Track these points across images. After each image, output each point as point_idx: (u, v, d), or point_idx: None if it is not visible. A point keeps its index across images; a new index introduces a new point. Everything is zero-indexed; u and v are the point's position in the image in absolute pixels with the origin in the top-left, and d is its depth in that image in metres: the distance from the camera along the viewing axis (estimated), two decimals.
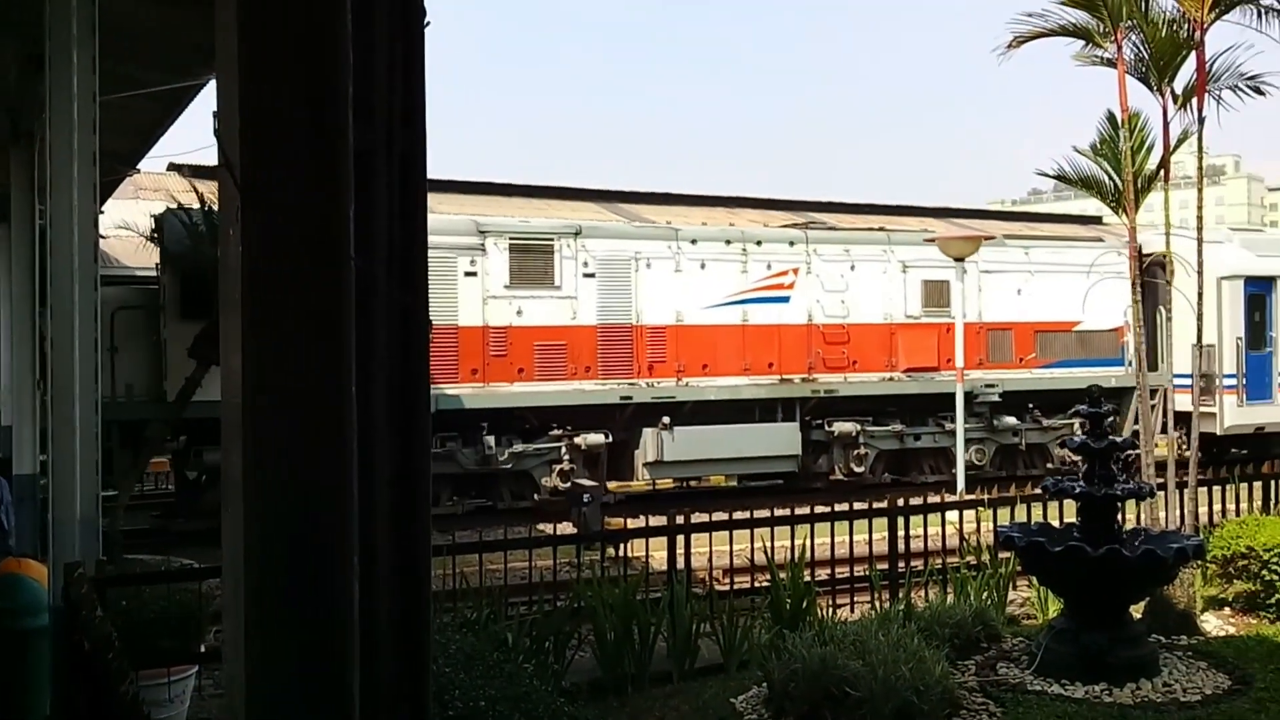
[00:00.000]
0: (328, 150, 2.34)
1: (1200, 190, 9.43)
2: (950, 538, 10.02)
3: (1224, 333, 19.13)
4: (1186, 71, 9.85)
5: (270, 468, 2.20)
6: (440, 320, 15.12)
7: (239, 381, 2.27)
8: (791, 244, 17.80)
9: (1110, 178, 10.01)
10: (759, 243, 17.61)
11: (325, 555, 2.15)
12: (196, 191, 12.98)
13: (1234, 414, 18.97)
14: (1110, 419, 7.26)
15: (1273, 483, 10.84)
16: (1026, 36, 10.04)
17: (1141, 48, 9.84)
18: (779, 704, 6.25)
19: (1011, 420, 18.81)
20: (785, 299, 17.58)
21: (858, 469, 17.79)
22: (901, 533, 9.46)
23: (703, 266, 17.03)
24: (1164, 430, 20.00)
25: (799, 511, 9.21)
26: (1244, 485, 10.72)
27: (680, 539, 8.38)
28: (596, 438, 16.13)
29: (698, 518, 8.89)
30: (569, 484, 15.86)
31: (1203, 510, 10.32)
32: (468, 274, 15.60)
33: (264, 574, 2.18)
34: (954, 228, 19.87)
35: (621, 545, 9.54)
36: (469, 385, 15.52)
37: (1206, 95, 9.94)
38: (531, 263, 16.01)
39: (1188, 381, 19.37)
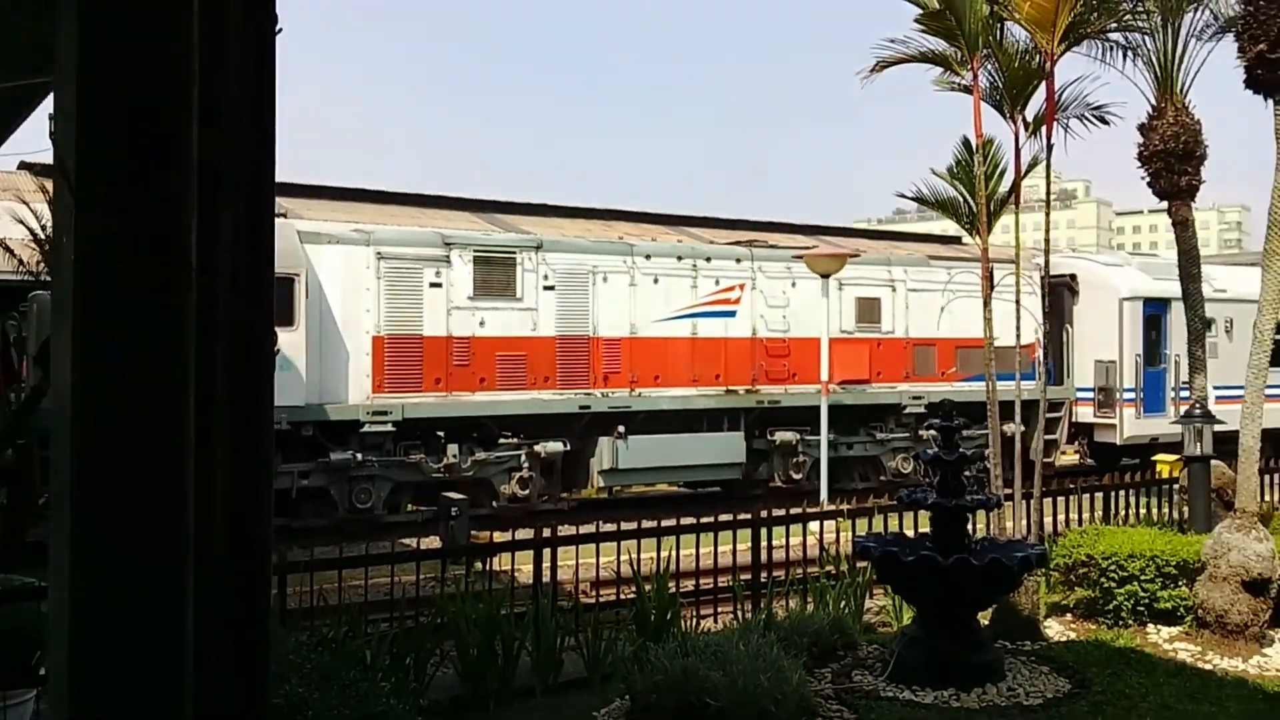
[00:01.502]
0: (169, 157, 2.27)
1: (1048, 214, 9.92)
2: (813, 548, 10.26)
3: (1124, 350, 20.63)
4: (1038, 100, 10.34)
5: (99, 482, 2.12)
6: (406, 330, 15.68)
7: (69, 395, 2.18)
8: (738, 261, 18.52)
9: (965, 200, 10.42)
10: (708, 259, 18.31)
11: (156, 572, 2.08)
12: (44, 191, 12.46)
13: (1132, 425, 20.40)
14: (960, 432, 7.53)
15: (1112, 494, 11.40)
16: (889, 61, 10.39)
17: (996, 76, 10.29)
18: (640, 716, 6.28)
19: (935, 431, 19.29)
20: (732, 313, 18.30)
21: (796, 476, 18.51)
22: (765, 543, 9.65)
23: (655, 281, 17.64)
24: (1070, 440, 21.44)
25: (665, 523, 9.29)
26: (1086, 496, 11.25)
27: (547, 552, 8.35)
28: (555, 446, 16.55)
29: (564, 530, 8.89)
30: (527, 490, 16.39)
31: (1048, 520, 10.82)
32: (433, 285, 15.88)
33: (91, 591, 2.10)
34: (825, 244, 20.78)
35: (489, 560, 9.48)
36: (432, 394, 15.88)
37: (1055, 123, 10.45)
38: (494, 275, 16.39)
39: (1090, 394, 20.72)
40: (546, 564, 8.37)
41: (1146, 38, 10.74)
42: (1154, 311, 21.01)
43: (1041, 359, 20.03)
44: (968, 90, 10.19)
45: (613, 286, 17.35)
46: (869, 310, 19.37)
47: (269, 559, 2.27)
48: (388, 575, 8.42)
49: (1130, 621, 8.38)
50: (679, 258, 18.07)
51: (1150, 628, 8.33)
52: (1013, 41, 10.30)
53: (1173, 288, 21.24)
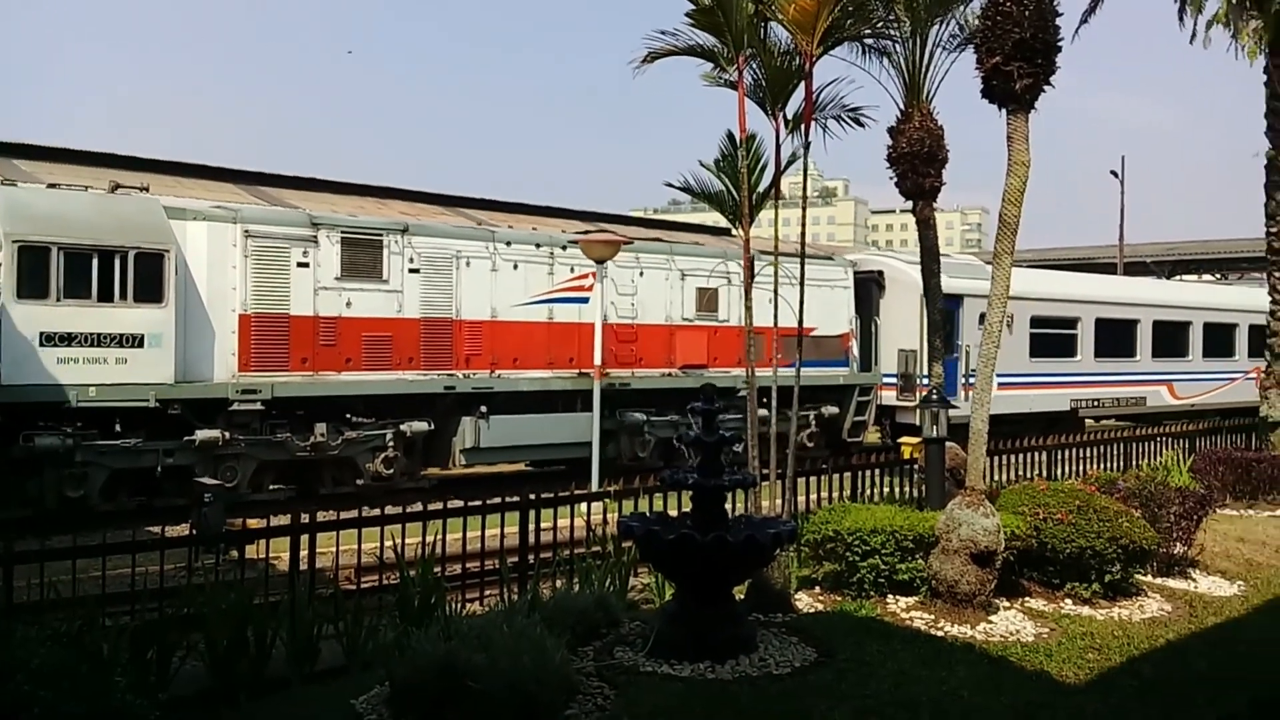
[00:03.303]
0: None
1: (804, 209, 10.38)
2: (582, 529, 10.39)
3: (924, 340, 22.01)
4: (798, 99, 10.79)
5: None
6: (273, 309, 15.77)
7: None
8: None
9: (730, 193, 10.76)
10: (564, 247, 19.01)
11: None
12: None
13: None
14: (720, 414, 7.78)
15: (860, 473, 12.08)
16: (660, 53, 10.58)
17: (760, 74, 10.66)
18: (401, 702, 6.19)
19: (763, 412, 20.64)
20: (585, 299, 19.05)
21: (641, 454, 19.33)
22: (534, 526, 9.69)
23: (515, 267, 18.37)
24: (876, 422, 23.27)
25: (432, 507, 9.19)
26: (837, 476, 11.89)
27: (305, 538, 8.09)
28: (421, 425, 17.07)
29: (324, 516, 8.64)
30: (391, 469, 16.83)
31: (802, 499, 11.37)
32: (300, 265, 16.04)
33: None
34: (600, 231, 21.43)
35: (244, 547, 9.10)
36: (299, 373, 16.04)
37: (814, 122, 10.95)
38: (361, 256, 16.68)
39: (894, 380, 22.80)
40: (305, 551, 8.10)
41: (898, 45, 11.38)
42: (949, 306, 22.90)
43: (855, 348, 22.08)
44: (734, 86, 10.51)
45: (475, 271, 17.87)
46: (708, 300, 20.58)
47: None
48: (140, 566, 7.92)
49: (872, 593, 8.89)
50: (537, 245, 18.71)
51: (890, 598, 8.86)
52: (776, 41, 10.70)
53: (966, 285, 23.55)
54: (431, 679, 6.01)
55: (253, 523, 9.74)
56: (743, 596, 8.38)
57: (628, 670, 6.85)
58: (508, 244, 18.37)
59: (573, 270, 19.03)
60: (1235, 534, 12.64)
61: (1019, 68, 8.62)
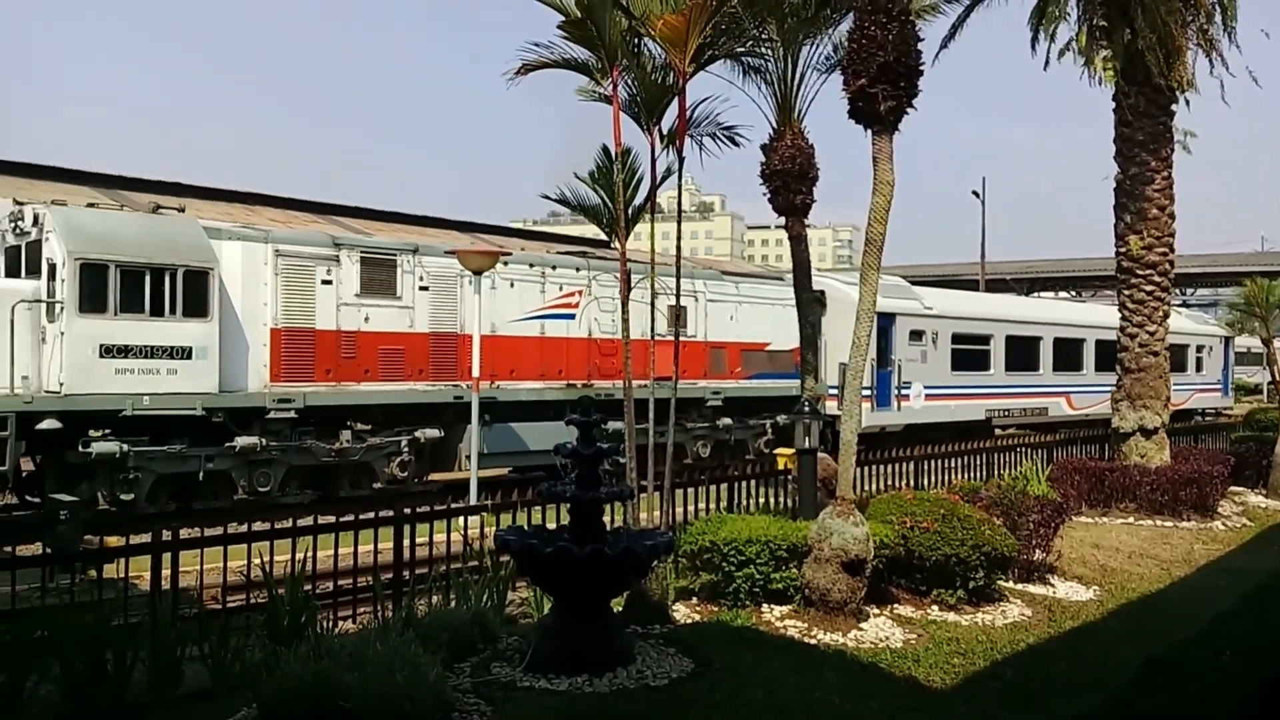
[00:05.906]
0: None
1: (679, 223, 10.51)
2: (460, 543, 10.25)
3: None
4: (673, 114, 10.88)
5: None
6: (301, 323, 16.96)
7: None
8: (578, 270, 21.08)
9: (606, 206, 10.80)
10: (554, 267, 20.78)
11: None
12: None
13: (867, 417, 23.98)
14: (598, 427, 7.82)
15: (736, 484, 12.25)
16: (534, 65, 10.54)
17: (635, 88, 10.74)
18: None
19: (728, 421, 23.13)
20: (572, 316, 20.81)
21: (622, 460, 19.92)
22: (409, 541, 9.52)
23: (512, 285, 19.87)
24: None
25: (301, 523, 8.96)
26: (714, 487, 12.03)
27: (167, 556, 7.79)
28: (434, 432, 18.46)
29: (187, 533, 8.35)
30: (406, 473, 18.08)
31: (680, 510, 11.47)
32: (324, 282, 17.25)
33: None
34: (480, 242, 21.99)
35: (103, 566, 8.72)
36: (324, 384, 17.23)
37: (690, 138, 11.08)
38: (378, 275, 17.96)
39: (836, 391, 23.98)
40: (167, 570, 7.81)
41: (771, 65, 11.60)
42: (883, 324, 24.68)
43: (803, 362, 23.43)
44: (609, 100, 10.55)
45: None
46: (679, 317, 21.64)
47: None
48: None
49: (748, 602, 9.01)
50: (530, 265, 20.32)
51: (765, 608, 8.99)
52: (650, 56, 10.79)
53: (897, 304, 26.08)
54: (300, 700, 5.86)
55: (111, 541, 9.34)
56: (621, 609, 8.40)
57: (505, 686, 6.80)
58: (505, 264, 19.32)
59: (561, 289, 20.54)
60: (1090, 540, 13.26)
61: (883, 90, 8.88)
